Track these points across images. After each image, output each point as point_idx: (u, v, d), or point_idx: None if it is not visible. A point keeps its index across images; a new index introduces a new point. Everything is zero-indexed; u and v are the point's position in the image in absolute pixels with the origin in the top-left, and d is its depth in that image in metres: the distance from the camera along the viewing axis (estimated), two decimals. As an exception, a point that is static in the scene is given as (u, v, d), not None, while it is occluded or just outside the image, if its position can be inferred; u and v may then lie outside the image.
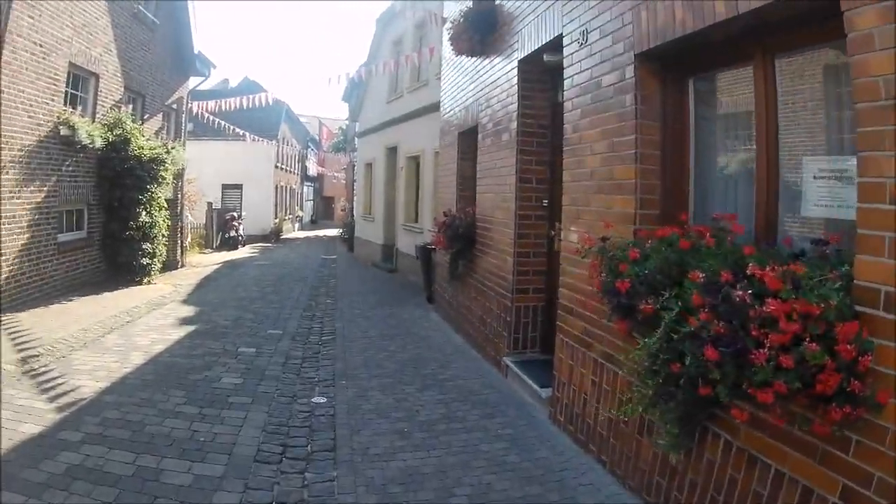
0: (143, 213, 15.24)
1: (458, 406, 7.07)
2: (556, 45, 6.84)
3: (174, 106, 20.22)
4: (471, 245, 9.64)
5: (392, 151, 20.92)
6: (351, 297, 14.85)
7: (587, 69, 5.91)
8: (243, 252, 28.09)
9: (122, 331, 10.44)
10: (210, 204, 28.87)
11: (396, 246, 20.03)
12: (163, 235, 16.66)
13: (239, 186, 36.17)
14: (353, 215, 30.17)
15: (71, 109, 13.07)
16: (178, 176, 20.43)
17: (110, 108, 14.82)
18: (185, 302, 13.77)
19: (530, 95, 8.12)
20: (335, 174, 53.70)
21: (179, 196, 20.96)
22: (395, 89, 21.18)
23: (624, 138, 5.18)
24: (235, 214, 30.41)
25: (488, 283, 8.95)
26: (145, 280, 15.85)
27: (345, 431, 6.28)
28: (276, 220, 38.42)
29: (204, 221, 28.77)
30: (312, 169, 57.13)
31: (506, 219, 8.31)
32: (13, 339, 9.24)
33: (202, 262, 22.67)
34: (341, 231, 31.88)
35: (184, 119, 21.25)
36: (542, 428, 6.44)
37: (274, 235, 36.10)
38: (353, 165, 30.37)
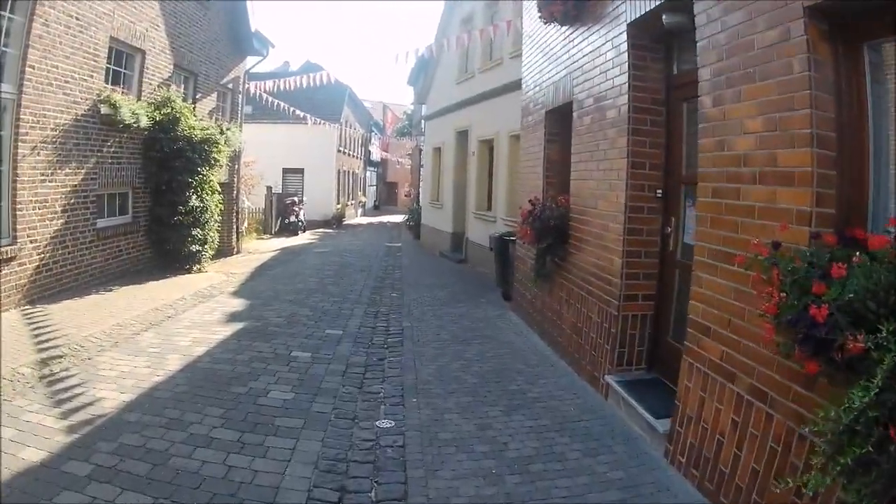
0: (194, 196, 14.39)
1: (554, 437, 5.70)
2: (678, 2, 5.53)
3: (230, 86, 19.48)
4: (563, 240, 8.14)
5: (462, 135, 19.48)
6: (418, 291, 13.53)
7: (732, 27, 4.52)
8: (303, 238, 27.04)
9: (160, 328, 9.34)
10: (269, 188, 27.89)
11: (466, 235, 18.62)
12: (215, 221, 15.72)
13: (300, 171, 35.24)
14: (418, 202, 28.86)
15: (112, 87, 12.09)
16: (234, 158, 19.60)
17: (158, 87, 13.97)
18: (235, 294, 12.66)
19: (642, 65, 6.61)
20: (399, 159, 52.69)
21: (235, 180, 20.10)
22: (465, 69, 19.78)
23: (793, 114, 3.86)
24: (296, 199, 29.40)
25: (586, 286, 7.47)
26: (195, 268, 15.02)
27: (418, 472, 5.01)
28: (339, 206, 37.39)
29: (263, 206, 27.79)
30: (376, 154, 56.15)
31: (612, 211, 6.82)
32: (37, 335, 8.21)
33: (259, 249, 21.67)
34: (406, 217, 30.61)
35: (240, 100, 20.44)
36: (658, 471, 5.10)
37: (336, 221, 35.06)
38: (420, 150, 29.00)
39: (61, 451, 4.95)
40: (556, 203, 8.28)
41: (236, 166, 20.15)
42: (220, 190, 16.06)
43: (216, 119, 17.98)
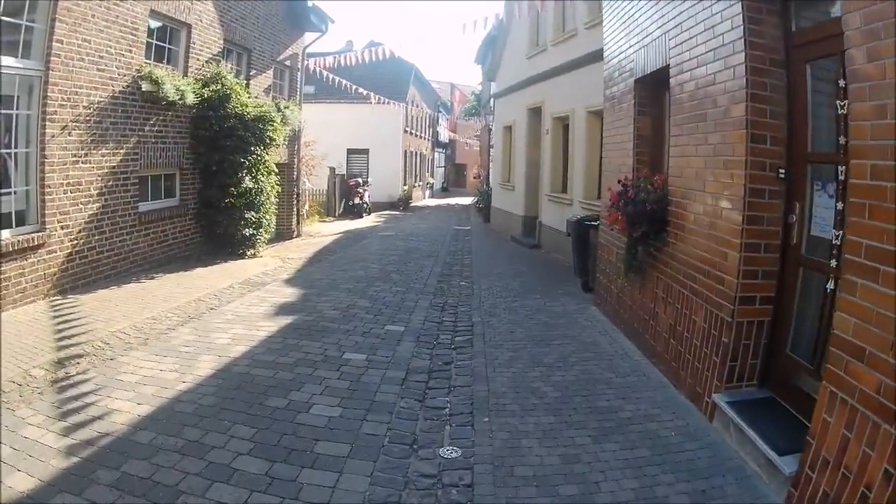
0: (247, 178, 13.60)
1: (655, 475, 4.54)
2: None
3: (287, 63, 18.79)
4: (661, 227, 6.83)
5: (535, 112, 18.19)
6: (489, 280, 12.39)
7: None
8: (367, 221, 26.14)
9: (199, 322, 8.47)
10: (332, 169, 27.05)
11: (540, 219, 17.38)
12: (272, 203, 14.94)
13: (365, 151, 34.42)
14: (488, 183, 27.64)
15: (155, 63, 11.40)
16: (294, 138, 18.84)
17: (206, 63, 13.26)
18: (289, 282, 11.79)
19: (758, 18, 5.25)
20: (467, 140, 51.46)
21: (295, 160, 19.34)
22: (535, 43, 18.44)
23: None
24: (360, 181, 28.50)
25: (689, 284, 6.18)
26: (249, 253, 14.32)
27: (490, 526, 3.88)
28: (405, 188, 36.43)
29: (326, 188, 26.96)
30: (444, 135, 55.08)
31: (726, 193, 5.51)
32: (60, 330, 7.39)
33: (321, 232, 20.88)
34: (475, 200, 29.39)
35: (299, 77, 19.73)
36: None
37: (402, 203, 34.13)
38: (489, 129, 27.74)
39: (53, 480, 4.10)
40: (653, 184, 7.00)
41: (296, 146, 19.43)
42: (276, 171, 15.30)
43: (273, 97, 17.36)
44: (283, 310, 9.38)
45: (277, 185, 15.44)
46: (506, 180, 21.69)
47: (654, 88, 7.83)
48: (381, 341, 7.84)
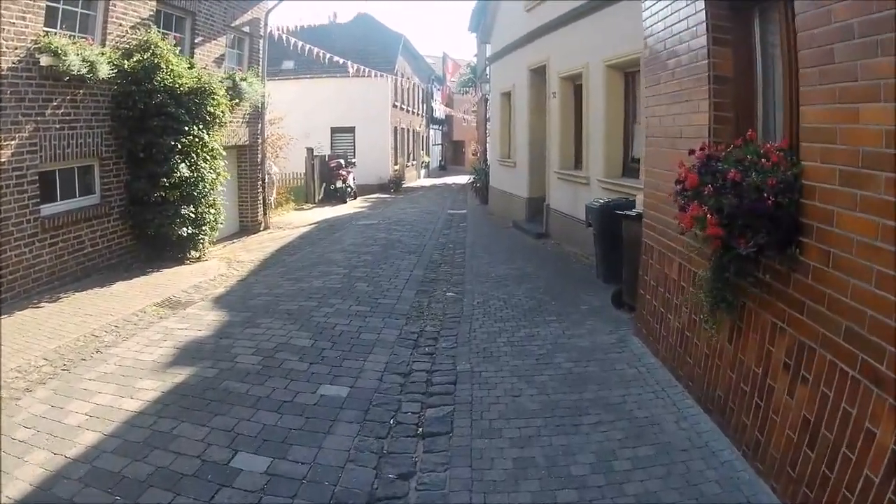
0: (182, 165, 11.02)
1: None
2: None
3: (246, 29, 16.00)
4: (786, 238, 3.65)
5: (538, 73, 15.08)
6: (486, 288, 9.43)
7: None
8: (351, 207, 23.04)
9: (68, 377, 5.89)
10: (310, 150, 23.93)
11: (548, 202, 14.28)
12: (216, 194, 12.32)
13: (350, 130, 31.35)
14: (485, 160, 24.51)
15: (56, 31, 9.16)
16: (256, 116, 16.00)
17: (132, 29, 10.90)
18: (218, 301, 8.93)
19: None
20: (464, 115, 48.27)
21: (259, 141, 16.27)
22: (537, -10, 15.18)
23: None
24: (342, 161, 25.29)
25: (860, 355, 3.05)
26: (192, 256, 11.82)
27: None
28: (396, 167, 33.30)
29: (304, 170, 23.92)
30: (439, 110, 51.79)
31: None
32: None
33: (292, 223, 17.94)
34: (472, 179, 26.16)
35: (262, 46, 16.93)
36: None
37: (393, 185, 31.01)
38: (486, 100, 24.41)
39: None
40: (766, 156, 3.91)
41: (259, 125, 16.48)
42: (223, 154, 12.58)
43: (228, 69, 14.68)
44: (184, 355, 6.44)
45: (225, 171, 12.75)
46: (505, 156, 18.55)
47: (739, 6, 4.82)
48: (303, 423, 4.88)
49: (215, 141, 12.13)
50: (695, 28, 5.13)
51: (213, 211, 12.06)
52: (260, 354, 6.44)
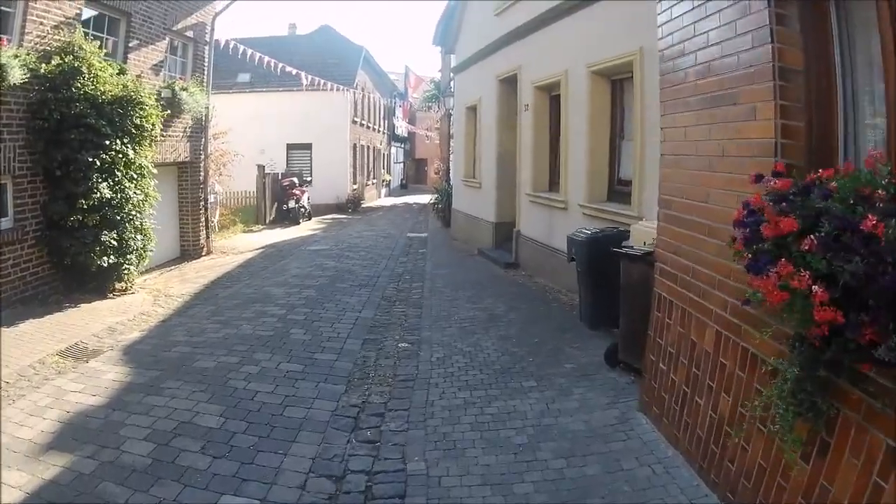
0: (103, 184, 9.50)
1: None
2: None
3: (189, 34, 14.32)
4: None
5: (508, 83, 13.61)
6: (448, 337, 7.81)
7: None
8: (304, 228, 21.31)
9: None
10: (261, 168, 22.25)
11: (518, 228, 12.74)
12: (144, 217, 10.75)
13: (307, 146, 29.67)
14: (448, 179, 22.96)
15: None
16: (199, 130, 14.68)
17: (54, 29, 9.50)
18: (129, 351, 7.39)
19: None
20: (427, 133, 46.78)
21: (202, 158, 14.83)
22: (507, -8, 13.70)
23: None
24: (295, 180, 23.56)
25: None
26: (117, 288, 10.34)
27: None
28: (355, 186, 31.61)
29: (252, 190, 22.25)
30: (401, 127, 50.16)
31: None
32: None
33: (238, 247, 16.26)
34: (434, 200, 24.49)
35: (207, 53, 15.35)
36: None
37: (351, 205, 29.27)
38: (449, 115, 22.87)
39: None
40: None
41: (202, 140, 14.88)
42: (153, 172, 11.05)
43: (166, 78, 13.28)
44: (66, 434, 4.88)
45: (156, 191, 11.11)
46: (470, 176, 16.99)
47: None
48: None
49: (143, 157, 10.55)
50: (754, 7, 3.60)
51: (140, 237, 10.46)
52: (153, 440, 4.78)
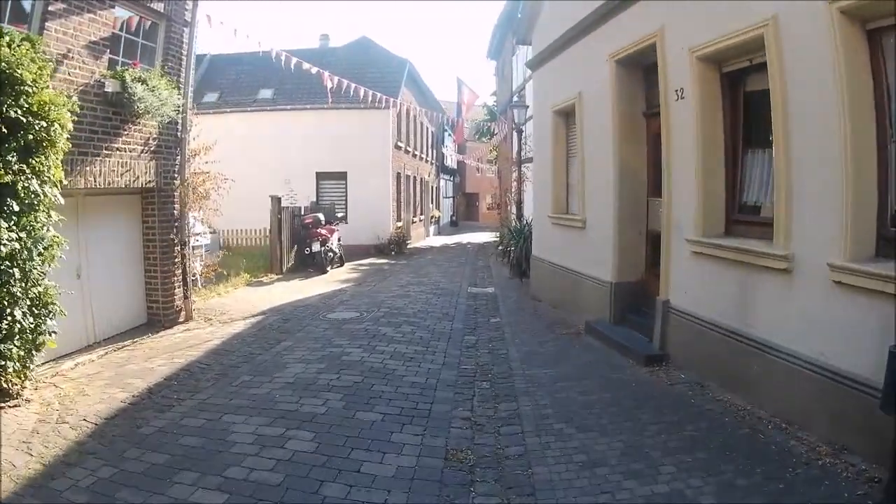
0: None
1: None
2: None
3: (158, 7, 9.84)
4: None
5: (634, 64, 8.68)
6: None
7: None
8: (330, 280, 16.33)
9: None
10: (276, 200, 17.35)
11: (667, 296, 7.51)
12: (36, 277, 6.34)
13: (342, 175, 24.93)
14: (518, 214, 17.75)
15: None
16: (171, 144, 10.38)
17: None
18: None
19: None
20: (479, 163, 41.88)
21: (176, 183, 10.53)
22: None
23: None
24: (321, 217, 18.49)
25: None
26: None
27: None
28: (399, 224, 26.65)
29: (268, 226, 17.41)
30: (451, 158, 45.32)
31: None
32: None
33: (230, 311, 11.76)
34: (502, 242, 19.18)
35: (187, 36, 10.72)
36: None
37: (395, 246, 24.26)
38: (519, 131, 17.54)
39: None
40: None
41: (176, 158, 10.50)
42: (59, 202, 6.67)
43: (121, 65, 9.15)
44: None
45: (60, 237, 6.60)
46: (561, 211, 11.80)
47: None
48: None
49: (36, 178, 6.12)
50: None
51: (29, 310, 6.15)
52: None
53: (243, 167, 22.76)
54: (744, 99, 6.68)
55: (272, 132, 23.81)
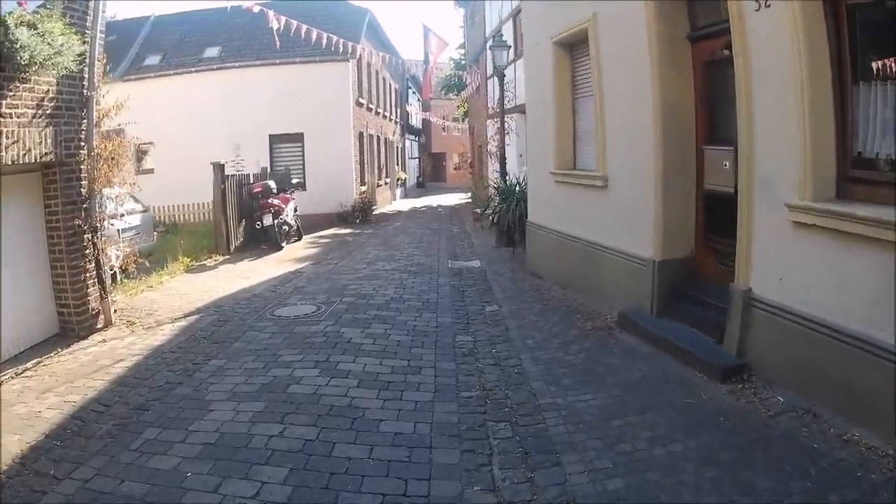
0: None
1: None
2: None
3: None
4: None
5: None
6: None
7: None
8: (285, 259, 13.99)
9: None
10: (219, 167, 14.80)
11: (749, 284, 5.34)
12: None
13: (297, 138, 22.25)
14: (501, 173, 15.40)
15: None
16: (73, 105, 7.89)
17: None
18: None
19: None
20: (445, 122, 39.74)
21: (83, 155, 8.08)
22: None
23: None
24: (271, 185, 15.98)
25: None
26: None
27: None
28: (363, 188, 24.29)
29: (211, 199, 14.98)
30: (416, 116, 42.84)
31: None
32: None
33: (159, 309, 9.35)
34: (481, 203, 16.87)
35: None
36: None
37: (359, 213, 21.91)
38: (500, 76, 15.10)
39: None
40: None
41: (82, 123, 7.98)
42: None
43: None
44: None
45: None
46: (568, 165, 9.52)
47: None
48: None
49: None
50: None
51: None
52: None
53: (189, 134, 20.44)
54: (846, 10, 4.53)
55: (220, 94, 21.42)
